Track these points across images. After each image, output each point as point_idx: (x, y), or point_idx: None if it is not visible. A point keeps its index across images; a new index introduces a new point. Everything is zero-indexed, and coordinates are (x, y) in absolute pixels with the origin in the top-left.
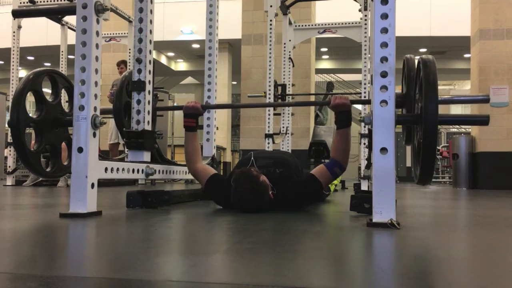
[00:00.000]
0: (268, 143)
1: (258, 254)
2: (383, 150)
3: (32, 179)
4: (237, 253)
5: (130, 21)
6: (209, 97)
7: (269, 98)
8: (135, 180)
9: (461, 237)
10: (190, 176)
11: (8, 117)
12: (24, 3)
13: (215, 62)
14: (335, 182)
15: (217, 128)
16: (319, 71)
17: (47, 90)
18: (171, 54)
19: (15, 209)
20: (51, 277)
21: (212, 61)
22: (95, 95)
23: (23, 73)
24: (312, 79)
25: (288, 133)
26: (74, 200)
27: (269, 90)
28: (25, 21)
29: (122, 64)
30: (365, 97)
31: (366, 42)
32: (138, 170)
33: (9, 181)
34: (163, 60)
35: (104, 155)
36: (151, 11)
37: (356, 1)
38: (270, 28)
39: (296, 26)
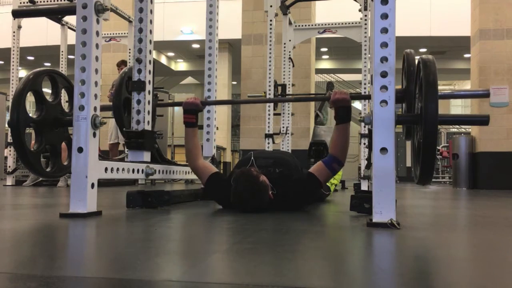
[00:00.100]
0: (268, 143)
1: (258, 254)
2: (383, 150)
3: (32, 179)
4: (237, 253)
5: (130, 21)
6: (209, 97)
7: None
8: (135, 180)
9: (461, 237)
10: (190, 176)
11: (8, 117)
12: (24, 3)
13: (215, 62)
14: (335, 182)
15: (217, 128)
16: (319, 71)
17: (47, 90)
18: (171, 54)
19: (15, 209)
20: (51, 277)
21: (212, 61)
22: (95, 95)
23: (23, 73)
24: (312, 79)
25: (288, 133)
26: (74, 200)
27: (269, 90)
28: (25, 21)
29: (122, 64)
30: None
31: (366, 42)
32: (138, 170)
33: (9, 181)
34: (163, 60)
35: (104, 155)
36: (151, 11)
37: (356, 1)
38: (270, 28)
39: (296, 26)
